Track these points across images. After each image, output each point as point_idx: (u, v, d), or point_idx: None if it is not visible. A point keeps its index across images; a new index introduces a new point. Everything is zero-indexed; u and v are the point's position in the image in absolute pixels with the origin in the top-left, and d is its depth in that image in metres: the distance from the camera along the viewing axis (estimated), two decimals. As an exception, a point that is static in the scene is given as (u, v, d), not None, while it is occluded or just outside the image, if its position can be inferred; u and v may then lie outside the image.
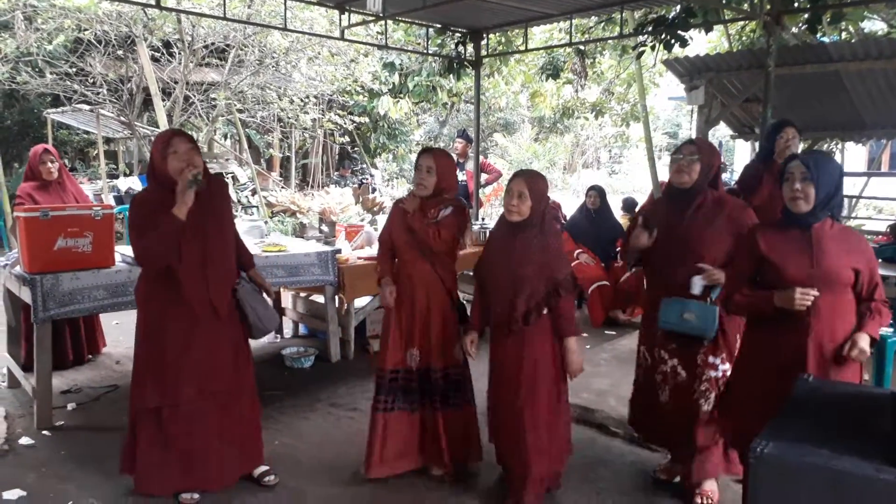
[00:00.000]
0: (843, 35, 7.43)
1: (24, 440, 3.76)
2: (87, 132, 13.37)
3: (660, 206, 3.24)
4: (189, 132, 13.01)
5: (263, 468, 3.33)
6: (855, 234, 2.61)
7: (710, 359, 2.97)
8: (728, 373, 2.92)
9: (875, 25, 8.44)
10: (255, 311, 3.17)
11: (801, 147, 8.90)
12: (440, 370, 3.28)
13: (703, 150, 3.00)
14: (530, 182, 2.94)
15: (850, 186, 10.12)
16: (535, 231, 2.93)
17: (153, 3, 5.52)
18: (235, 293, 3.11)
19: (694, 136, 5.55)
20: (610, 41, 9.50)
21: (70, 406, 4.28)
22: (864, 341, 2.46)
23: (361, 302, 5.41)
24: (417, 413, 3.33)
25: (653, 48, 6.30)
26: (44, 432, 3.88)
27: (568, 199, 15.89)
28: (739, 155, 20.63)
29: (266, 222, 8.07)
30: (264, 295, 3.33)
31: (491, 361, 3.17)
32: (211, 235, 2.98)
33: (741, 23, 8.03)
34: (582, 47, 10.35)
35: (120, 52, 10.17)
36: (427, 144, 17.16)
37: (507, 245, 2.99)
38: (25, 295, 3.92)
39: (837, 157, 10.22)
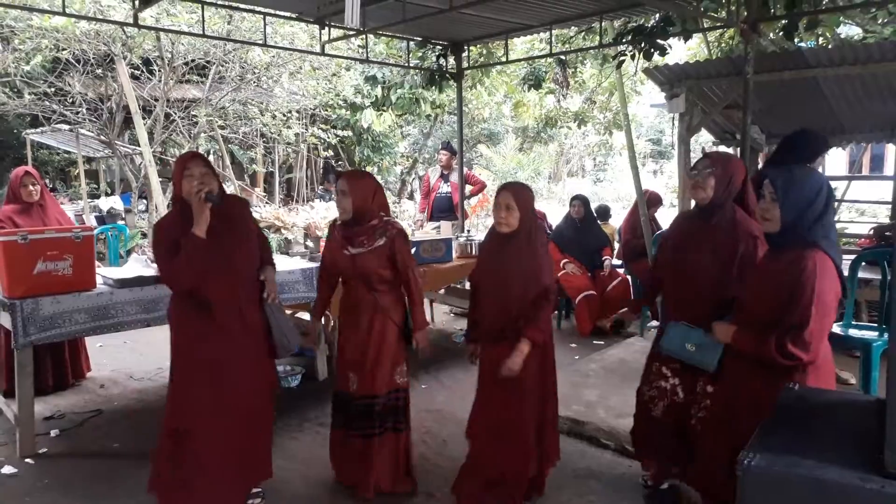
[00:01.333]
0: (820, 41, 7.52)
1: (7, 469, 3.70)
2: (67, 152, 13.25)
3: (681, 223, 3.25)
4: (172, 150, 12.85)
5: (253, 489, 3.28)
6: (798, 267, 2.28)
7: (710, 388, 2.86)
8: None
9: (851, 31, 8.55)
10: (280, 327, 3.17)
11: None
12: (379, 395, 3.28)
13: (718, 162, 2.91)
14: (517, 193, 3.04)
15: (831, 189, 10.24)
16: (524, 241, 3.03)
17: (131, 21, 5.49)
18: (262, 308, 3.12)
19: (675, 143, 5.58)
20: (590, 51, 9.56)
21: (53, 432, 4.21)
22: (721, 328, 2.54)
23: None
24: (351, 435, 3.36)
25: (633, 57, 6.34)
26: (27, 460, 3.82)
27: (554, 208, 15.93)
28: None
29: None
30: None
31: (481, 370, 3.25)
32: (235, 253, 3.00)
33: (720, 30, 8.10)
34: (563, 57, 10.41)
35: (99, 71, 10.10)
36: (412, 156, 17.17)
37: (498, 256, 3.10)
38: (5, 320, 3.85)
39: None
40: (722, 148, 9.17)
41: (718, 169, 2.87)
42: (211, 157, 15.55)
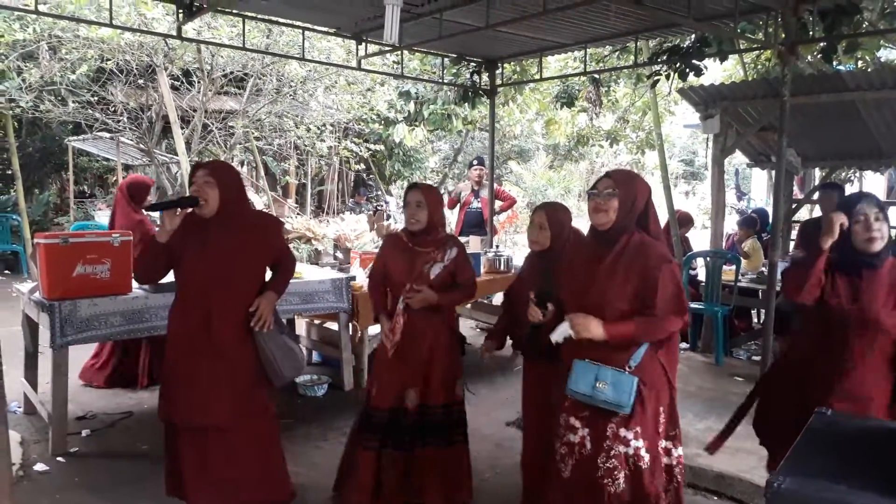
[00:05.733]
0: (859, 64, 7.43)
1: (39, 466, 3.78)
2: (106, 159, 13.56)
3: (581, 248, 2.85)
4: (208, 160, 13.12)
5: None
6: None
7: (622, 432, 2.51)
8: (641, 451, 2.52)
9: (892, 54, 8.43)
10: (273, 355, 3.00)
11: (818, 176, 8.79)
12: (441, 406, 3.28)
13: (621, 183, 2.56)
14: (549, 213, 3.18)
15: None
16: (554, 258, 3.07)
17: (174, 34, 5.63)
18: (253, 331, 2.98)
19: (708, 164, 5.51)
20: (625, 70, 9.55)
21: (85, 432, 4.30)
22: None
23: (375, 329, 5.40)
24: (404, 453, 3.28)
25: (667, 77, 6.33)
26: (58, 458, 3.90)
27: (583, 226, 15.85)
28: (756, 182, 20.55)
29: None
30: (286, 337, 3.13)
31: (526, 387, 3.34)
32: (218, 266, 2.91)
33: (756, 52, 8.04)
34: (596, 76, 10.40)
35: (141, 81, 10.36)
36: (441, 171, 17.26)
37: (532, 274, 3.21)
38: (44, 321, 3.95)
39: (855, 186, 10.17)
40: (756, 170, 9.05)
41: (621, 191, 2.54)
42: (245, 168, 15.80)
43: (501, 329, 3.42)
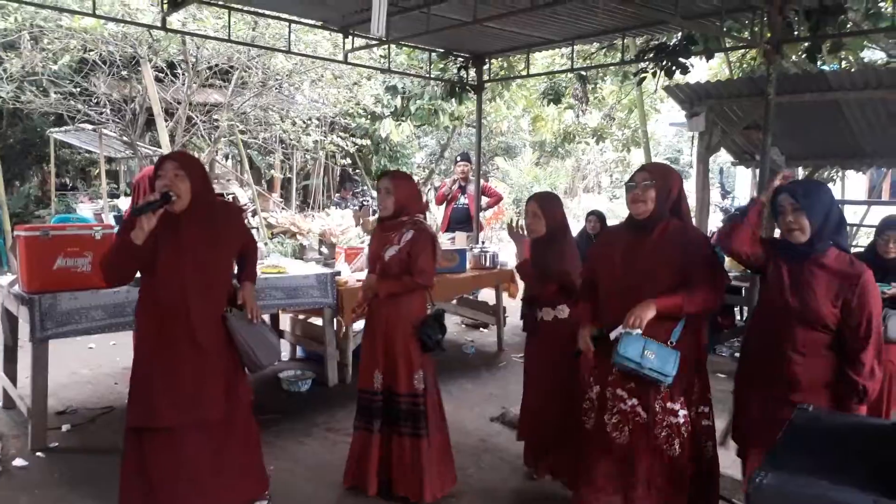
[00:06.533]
0: (843, 64, 7.49)
1: (18, 461, 3.74)
2: (88, 151, 13.40)
3: (617, 235, 2.97)
4: (192, 153, 13.04)
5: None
6: (855, 269, 2.54)
7: (669, 404, 2.71)
8: (688, 419, 2.73)
9: (875, 55, 8.51)
10: (247, 343, 2.97)
11: (801, 174, 8.89)
12: (403, 395, 3.32)
13: (657, 175, 2.77)
14: (541, 202, 3.50)
15: (850, 215, 10.17)
16: (549, 243, 3.46)
17: (159, 24, 5.58)
18: (226, 322, 2.94)
19: (693, 162, 5.55)
20: (611, 67, 9.58)
21: (65, 427, 4.25)
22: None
23: (360, 325, 5.38)
24: (377, 436, 3.37)
25: (654, 74, 6.34)
26: (38, 454, 3.85)
27: (568, 223, 15.86)
28: (741, 181, 20.71)
29: (266, 244, 8.07)
30: (261, 325, 3.09)
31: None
32: (194, 261, 2.84)
33: (742, 50, 8.10)
34: (583, 73, 10.42)
35: (124, 73, 10.24)
36: (428, 167, 17.25)
37: (534, 258, 3.54)
38: (23, 314, 3.90)
39: (838, 185, 10.28)
40: (741, 168, 9.11)
41: (658, 181, 2.73)
42: (230, 162, 15.68)
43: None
